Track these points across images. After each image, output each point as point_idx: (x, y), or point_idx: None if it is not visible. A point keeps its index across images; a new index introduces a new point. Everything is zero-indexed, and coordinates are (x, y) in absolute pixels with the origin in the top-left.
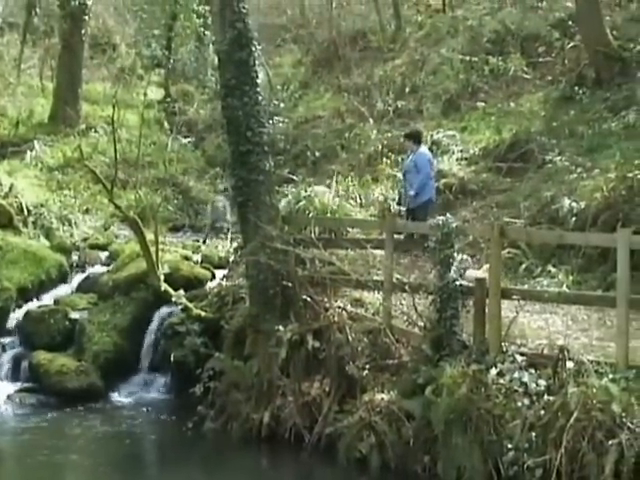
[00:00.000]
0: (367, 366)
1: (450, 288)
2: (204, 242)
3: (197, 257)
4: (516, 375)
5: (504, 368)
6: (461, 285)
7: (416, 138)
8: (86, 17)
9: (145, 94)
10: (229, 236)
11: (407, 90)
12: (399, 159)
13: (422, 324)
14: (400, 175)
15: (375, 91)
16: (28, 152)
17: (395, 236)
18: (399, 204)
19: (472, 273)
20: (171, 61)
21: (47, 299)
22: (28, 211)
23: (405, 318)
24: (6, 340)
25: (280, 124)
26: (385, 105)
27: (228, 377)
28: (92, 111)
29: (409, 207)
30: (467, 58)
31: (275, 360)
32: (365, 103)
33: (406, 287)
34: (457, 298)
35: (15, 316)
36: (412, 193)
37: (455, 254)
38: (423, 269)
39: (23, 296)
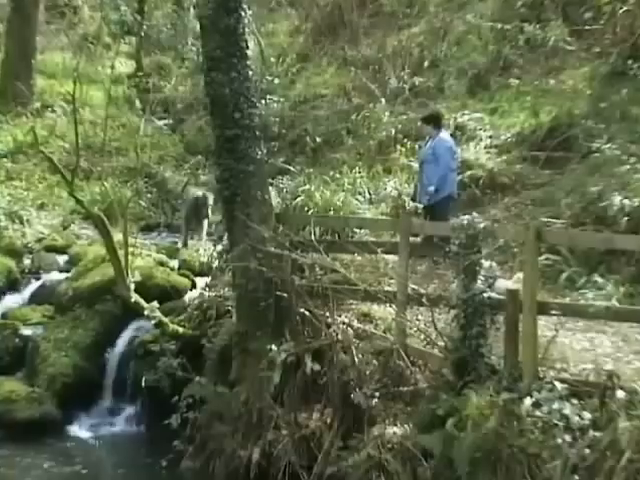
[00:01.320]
0: (377, 394)
1: (476, 301)
2: (184, 245)
3: (174, 262)
4: (555, 406)
5: (541, 398)
6: (489, 298)
7: (436, 121)
8: None
9: (112, 67)
10: (212, 238)
11: (426, 64)
12: (416, 146)
13: (442, 344)
14: (417, 166)
15: (388, 65)
16: None
17: (411, 239)
18: (415, 200)
19: (502, 283)
20: (144, 28)
21: None
22: None
23: (422, 337)
24: None
25: (274, 104)
26: (400, 82)
27: (210, 406)
28: (48, 87)
29: (427, 204)
30: (498, 26)
31: (267, 386)
32: (376, 79)
33: (423, 299)
34: (485, 313)
35: None
36: (431, 188)
37: (482, 260)
38: (444, 278)
39: None
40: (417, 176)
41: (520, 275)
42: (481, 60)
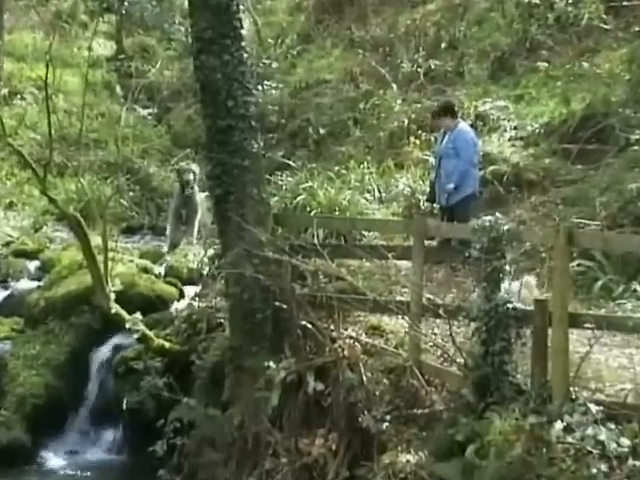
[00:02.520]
0: (388, 417)
1: (500, 312)
2: (171, 248)
3: (160, 269)
4: (590, 431)
5: (573, 422)
6: (515, 309)
7: (450, 112)
8: None
9: (90, 49)
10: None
11: (443, 45)
12: (431, 138)
13: (462, 361)
14: (432, 160)
15: (400, 47)
16: None
17: (426, 242)
18: (431, 200)
19: (525, 291)
20: (125, 4)
21: None
22: None
23: (439, 353)
24: None
25: (272, 91)
26: (413, 66)
27: (200, 431)
28: (17, 71)
29: (445, 204)
30: (524, 1)
31: (264, 408)
32: (386, 63)
33: (440, 311)
34: (509, 326)
35: None
36: (451, 186)
37: (507, 267)
38: (463, 287)
39: None
40: (433, 173)
41: (531, 279)
42: (505, 41)
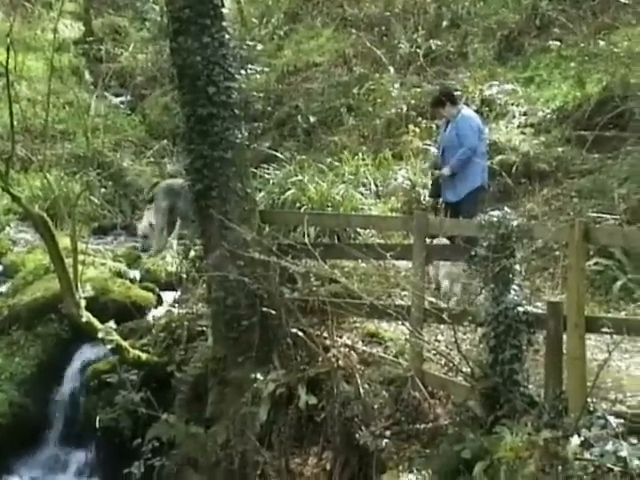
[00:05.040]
0: (387, 432)
1: (509, 317)
2: (158, 252)
3: (135, 273)
4: (609, 447)
5: (591, 436)
6: (526, 312)
7: (450, 98)
8: None
9: (55, 31)
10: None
11: (444, 24)
12: (432, 126)
13: (468, 370)
14: (435, 151)
15: (397, 26)
16: None
17: (428, 240)
18: (435, 195)
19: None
20: None
21: None
22: None
23: (443, 361)
24: None
25: (257, 76)
26: (412, 46)
27: (181, 450)
28: None
29: (451, 199)
30: None
31: (251, 424)
32: (382, 44)
33: (444, 315)
34: (520, 331)
35: None
36: (445, 171)
37: (517, 266)
38: (469, 288)
39: None
40: (435, 164)
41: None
42: (513, 18)
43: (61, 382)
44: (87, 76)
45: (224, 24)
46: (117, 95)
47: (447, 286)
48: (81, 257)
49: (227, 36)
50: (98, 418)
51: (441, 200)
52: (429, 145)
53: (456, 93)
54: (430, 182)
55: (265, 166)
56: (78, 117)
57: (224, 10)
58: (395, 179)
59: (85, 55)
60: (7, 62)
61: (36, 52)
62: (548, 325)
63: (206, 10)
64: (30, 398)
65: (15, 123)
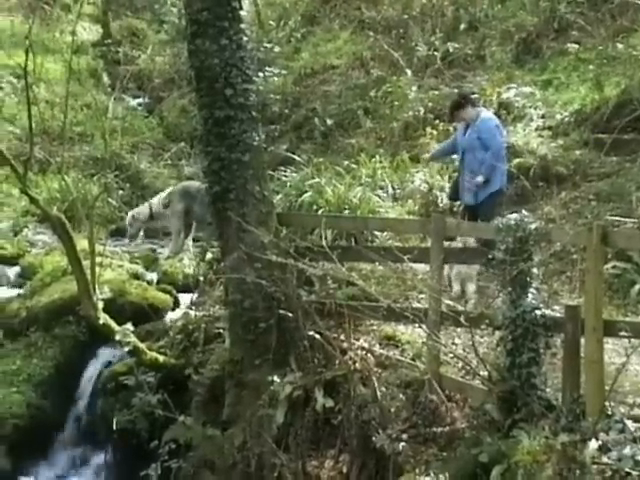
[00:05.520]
0: (404, 436)
1: (527, 320)
2: (175, 253)
3: (152, 275)
4: (627, 451)
5: (609, 440)
6: (544, 316)
7: (469, 101)
8: None
9: (74, 33)
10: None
11: (462, 26)
12: (450, 129)
13: (485, 373)
14: (454, 156)
15: (415, 28)
16: None
17: (446, 243)
18: (454, 198)
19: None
20: None
21: None
22: None
23: (460, 365)
24: None
25: (274, 78)
26: (430, 49)
27: (198, 452)
28: None
29: (471, 202)
30: None
31: (268, 427)
32: (400, 46)
33: (461, 319)
34: (538, 335)
35: None
36: (480, 179)
37: (534, 270)
38: (486, 292)
39: None
40: (457, 169)
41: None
42: (531, 21)
43: (78, 384)
44: (105, 78)
45: (242, 26)
46: (135, 97)
47: (458, 289)
48: (99, 259)
49: (245, 38)
50: (115, 420)
51: (459, 203)
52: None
53: (474, 96)
54: (449, 185)
55: (282, 169)
56: (96, 119)
57: (242, 12)
58: (412, 182)
59: (103, 57)
60: (26, 64)
61: (54, 54)
62: (566, 329)
63: (224, 12)
64: (47, 400)
65: (34, 125)
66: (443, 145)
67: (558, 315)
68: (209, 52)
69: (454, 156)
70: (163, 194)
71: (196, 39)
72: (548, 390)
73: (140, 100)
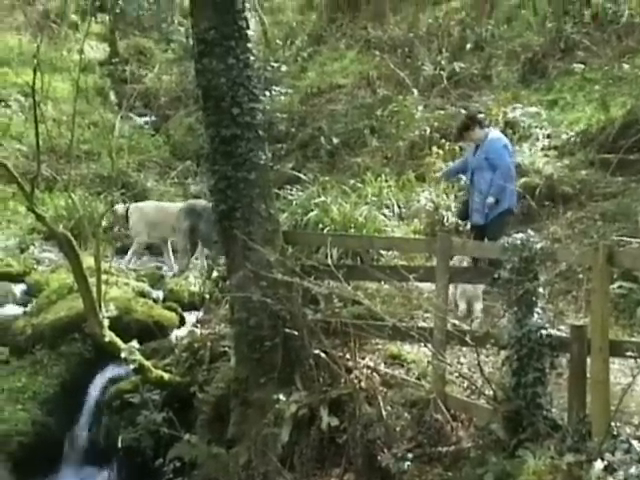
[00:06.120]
0: (410, 455)
1: (533, 340)
2: (182, 271)
3: (158, 293)
4: (633, 471)
5: (615, 460)
6: (549, 336)
7: (477, 122)
8: None
9: (81, 52)
10: (205, 262)
11: (468, 46)
12: (456, 148)
13: (491, 393)
14: (444, 167)
15: (421, 48)
16: None
17: (451, 262)
18: (463, 218)
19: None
20: (119, 3)
21: None
22: None
23: (465, 384)
24: None
25: (281, 97)
26: (436, 69)
27: (203, 471)
28: (1, 76)
29: (480, 222)
30: None
31: (273, 445)
32: (406, 66)
33: (467, 338)
34: (543, 355)
35: None
36: (491, 200)
37: (540, 289)
38: (492, 311)
39: None
40: (468, 190)
41: None
42: (537, 41)
43: (84, 401)
44: (112, 97)
45: (249, 46)
46: (141, 116)
47: (464, 308)
48: (104, 277)
49: (252, 58)
50: (120, 438)
51: (466, 222)
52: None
53: (480, 116)
54: (454, 204)
55: (288, 187)
56: (103, 137)
57: (249, 32)
58: (418, 201)
59: (110, 76)
60: (34, 83)
61: (62, 73)
62: (572, 348)
63: (231, 32)
64: (53, 417)
65: (41, 143)
66: (455, 164)
67: (564, 335)
68: (216, 71)
69: (462, 176)
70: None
71: (203, 58)
72: (554, 410)
73: (147, 118)
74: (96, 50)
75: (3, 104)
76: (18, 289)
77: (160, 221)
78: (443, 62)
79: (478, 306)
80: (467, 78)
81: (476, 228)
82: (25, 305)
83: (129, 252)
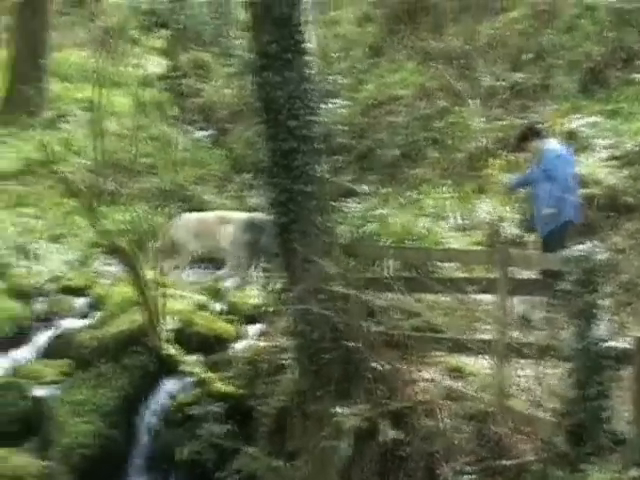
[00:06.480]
0: (470, 468)
1: (595, 352)
2: (240, 285)
3: (219, 305)
4: None
5: None
6: (612, 348)
7: (534, 133)
8: None
9: (141, 66)
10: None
11: (528, 56)
12: (515, 159)
13: (553, 406)
14: (508, 179)
15: (480, 59)
16: None
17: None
18: (530, 230)
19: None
20: (179, 18)
21: None
22: None
23: (527, 397)
24: None
25: (339, 110)
26: (495, 79)
27: None
28: (63, 91)
29: (542, 233)
30: (619, 6)
31: (332, 459)
32: (465, 77)
33: (528, 350)
34: (606, 367)
35: None
36: (548, 211)
37: (602, 301)
38: (554, 323)
39: None
40: (531, 202)
41: None
42: (598, 51)
43: (146, 414)
44: (172, 111)
45: (306, 59)
46: (200, 129)
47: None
48: (165, 290)
49: (309, 71)
50: (182, 450)
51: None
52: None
53: (539, 126)
54: (514, 216)
55: (347, 199)
56: (163, 151)
57: (307, 45)
58: (477, 212)
59: (170, 90)
60: (94, 98)
61: (122, 87)
62: (635, 360)
63: (289, 45)
64: (116, 430)
65: (102, 158)
66: (520, 176)
67: (627, 347)
68: (274, 84)
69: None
70: None
71: (263, 71)
72: (618, 423)
73: (206, 132)
74: (155, 64)
75: (65, 119)
76: (81, 302)
77: (202, 231)
78: (502, 73)
79: (537, 315)
80: (527, 89)
81: (541, 239)
82: (88, 318)
83: (179, 265)
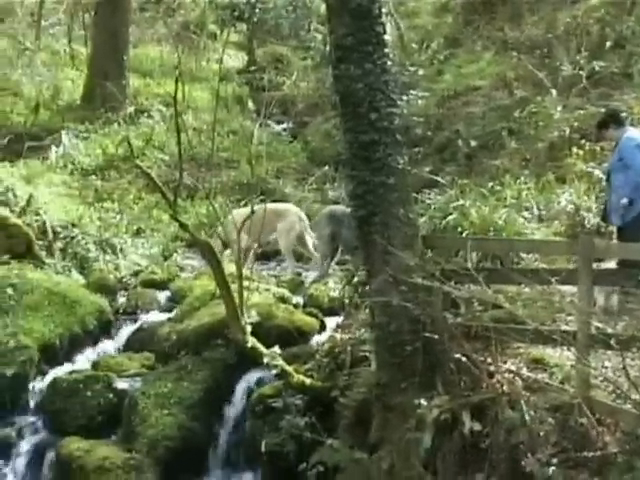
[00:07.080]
0: (554, 460)
1: None
2: (321, 277)
3: (299, 298)
4: None
5: None
6: None
7: (615, 120)
8: None
9: (220, 61)
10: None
11: (608, 44)
12: (597, 148)
13: (637, 397)
14: (598, 173)
15: (559, 48)
16: (53, 148)
17: (595, 265)
18: (605, 220)
19: None
20: (257, 11)
21: (82, 361)
22: (54, 233)
23: (611, 388)
24: (24, 421)
25: (418, 101)
26: (575, 68)
27: (346, 475)
28: (144, 87)
29: (618, 223)
30: None
31: (415, 450)
32: (544, 66)
33: (612, 341)
34: None
35: (37, 386)
36: (624, 201)
37: None
38: (637, 314)
39: (48, 357)
40: (606, 191)
41: None
42: None
43: (227, 406)
44: (250, 105)
45: (386, 51)
46: (279, 123)
47: (602, 303)
48: (246, 283)
49: (389, 62)
50: (264, 442)
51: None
52: (593, 168)
53: (619, 114)
54: (595, 205)
55: (426, 191)
56: (242, 145)
57: (386, 37)
58: (558, 203)
59: (248, 84)
60: (174, 93)
61: (201, 82)
62: None
63: (368, 37)
64: (198, 422)
65: (182, 152)
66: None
67: None
68: (353, 77)
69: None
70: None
71: (341, 64)
72: None
73: (284, 125)
74: (234, 59)
75: (146, 114)
76: (162, 296)
77: (251, 226)
78: (582, 61)
79: (614, 299)
80: (607, 77)
81: (618, 229)
82: (169, 312)
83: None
